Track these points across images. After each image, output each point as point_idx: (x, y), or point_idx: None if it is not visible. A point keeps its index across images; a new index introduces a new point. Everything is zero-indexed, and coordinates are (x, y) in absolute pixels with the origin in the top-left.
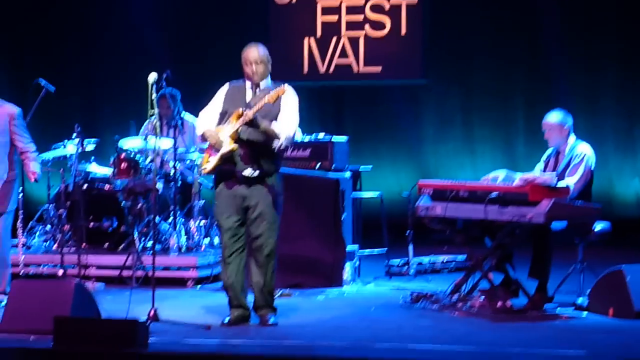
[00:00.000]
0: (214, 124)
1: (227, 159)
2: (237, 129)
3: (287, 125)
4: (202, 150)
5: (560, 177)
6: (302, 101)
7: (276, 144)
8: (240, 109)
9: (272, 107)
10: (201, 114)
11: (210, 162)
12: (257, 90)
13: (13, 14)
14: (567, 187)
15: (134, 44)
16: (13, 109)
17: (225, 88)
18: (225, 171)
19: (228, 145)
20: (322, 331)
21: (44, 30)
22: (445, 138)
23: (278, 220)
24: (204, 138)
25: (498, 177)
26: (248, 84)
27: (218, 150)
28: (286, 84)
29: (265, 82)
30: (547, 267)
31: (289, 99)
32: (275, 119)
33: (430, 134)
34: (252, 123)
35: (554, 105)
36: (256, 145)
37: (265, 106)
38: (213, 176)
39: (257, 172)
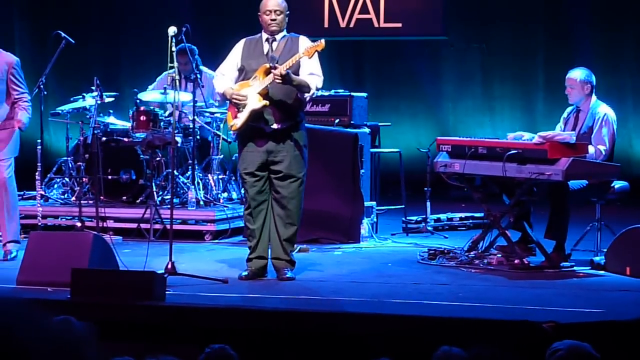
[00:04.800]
0: (232, 81)
1: (256, 115)
2: (267, 86)
3: (316, 76)
4: (219, 105)
5: (582, 138)
6: (321, 56)
7: (306, 95)
8: (267, 64)
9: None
10: (218, 71)
11: (239, 118)
12: (274, 42)
13: None
14: (586, 145)
15: None
16: (11, 58)
17: (241, 43)
18: (253, 127)
19: (258, 102)
20: (338, 286)
21: None
22: (464, 95)
23: (304, 175)
24: (224, 96)
25: (522, 135)
26: (264, 36)
27: (242, 108)
28: (323, 39)
29: (282, 34)
30: (565, 226)
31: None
32: (296, 72)
33: (450, 91)
34: (283, 79)
35: (574, 64)
36: (285, 100)
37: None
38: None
39: (286, 125)
